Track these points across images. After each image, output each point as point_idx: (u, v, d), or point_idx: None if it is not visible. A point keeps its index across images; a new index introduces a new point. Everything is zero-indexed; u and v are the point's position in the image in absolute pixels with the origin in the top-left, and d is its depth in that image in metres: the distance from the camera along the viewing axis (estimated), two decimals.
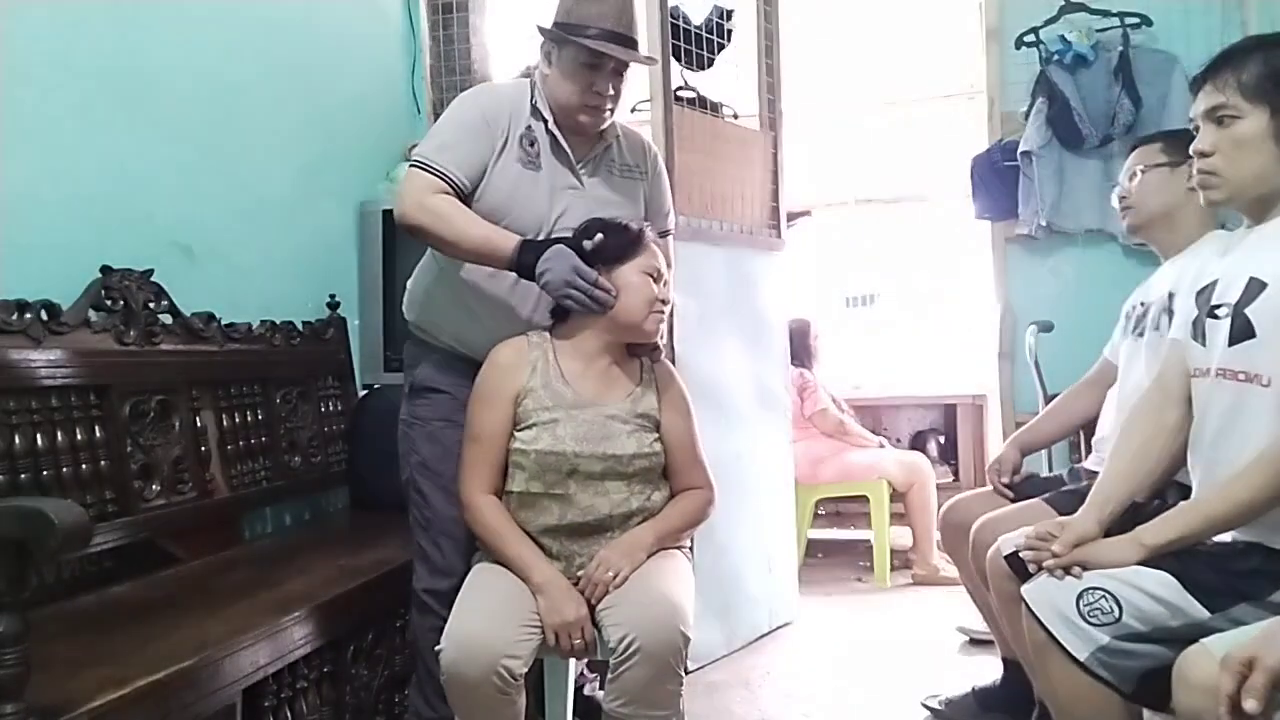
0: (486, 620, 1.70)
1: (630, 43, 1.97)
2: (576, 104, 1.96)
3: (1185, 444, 1.66)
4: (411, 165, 1.96)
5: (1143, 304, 2.13)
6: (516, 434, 1.85)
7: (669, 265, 2.09)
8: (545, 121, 2.00)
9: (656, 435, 1.91)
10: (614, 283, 1.85)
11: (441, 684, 1.70)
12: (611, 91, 1.96)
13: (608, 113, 1.99)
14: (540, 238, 1.94)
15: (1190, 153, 1.60)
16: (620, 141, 2.11)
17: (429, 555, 2.01)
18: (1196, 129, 1.59)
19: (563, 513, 1.83)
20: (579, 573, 1.83)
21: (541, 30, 2.01)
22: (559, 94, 1.98)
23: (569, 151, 2.02)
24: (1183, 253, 2.05)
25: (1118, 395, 2.15)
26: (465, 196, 1.93)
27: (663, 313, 1.90)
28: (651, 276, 1.88)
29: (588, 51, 1.91)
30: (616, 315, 1.87)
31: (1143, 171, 2.09)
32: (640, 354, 1.98)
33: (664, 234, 2.18)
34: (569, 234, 1.93)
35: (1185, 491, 1.67)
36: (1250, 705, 1.13)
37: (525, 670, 1.69)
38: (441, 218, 1.90)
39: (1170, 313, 1.96)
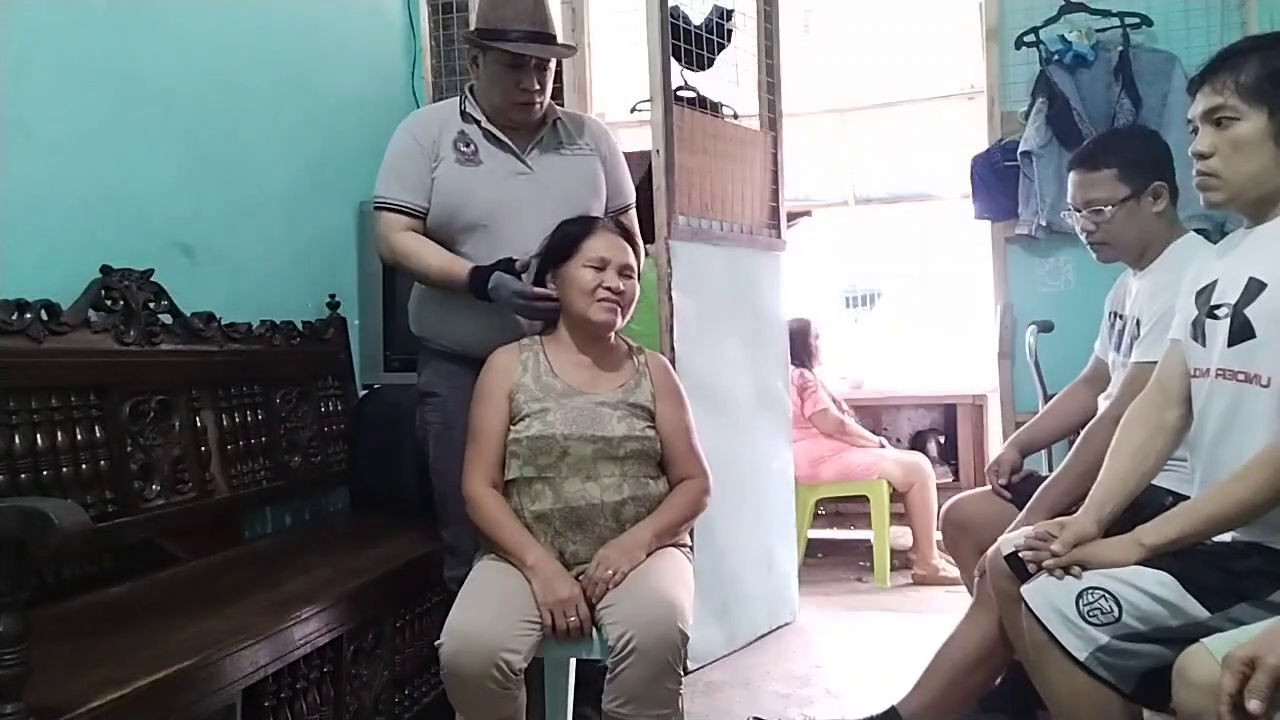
0: (486, 615, 1.72)
1: (548, 38, 2.10)
2: (507, 103, 2.10)
3: (1182, 443, 1.66)
4: (375, 208, 2.14)
5: (1120, 316, 2.13)
6: (512, 427, 1.92)
7: (628, 234, 2.19)
8: (478, 123, 2.14)
9: (649, 423, 1.95)
10: (561, 281, 1.95)
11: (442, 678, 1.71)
12: (537, 86, 2.09)
13: (538, 105, 2.12)
14: (498, 225, 2.07)
15: (1190, 154, 1.60)
16: (562, 122, 2.22)
17: (452, 546, 2.14)
18: (1195, 131, 1.59)
19: (555, 497, 1.87)
20: (570, 560, 1.86)
21: (465, 38, 2.16)
22: (491, 96, 2.12)
23: (509, 141, 2.13)
24: (1153, 265, 2.04)
25: (1108, 402, 2.14)
26: (426, 211, 2.12)
27: (609, 300, 1.93)
28: (594, 267, 1.93)
29: (509, 54, 2.04)
30: (568, 310, 1.97)
31: (1111, 208, 2.02)
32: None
33: (627, 209, 2.30)
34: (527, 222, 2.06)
35: (1182, 499, 1.67)
36: (1254, 705, 1.13)
37: (524, 665, 1.70)
38: (409, 256, 2.10)
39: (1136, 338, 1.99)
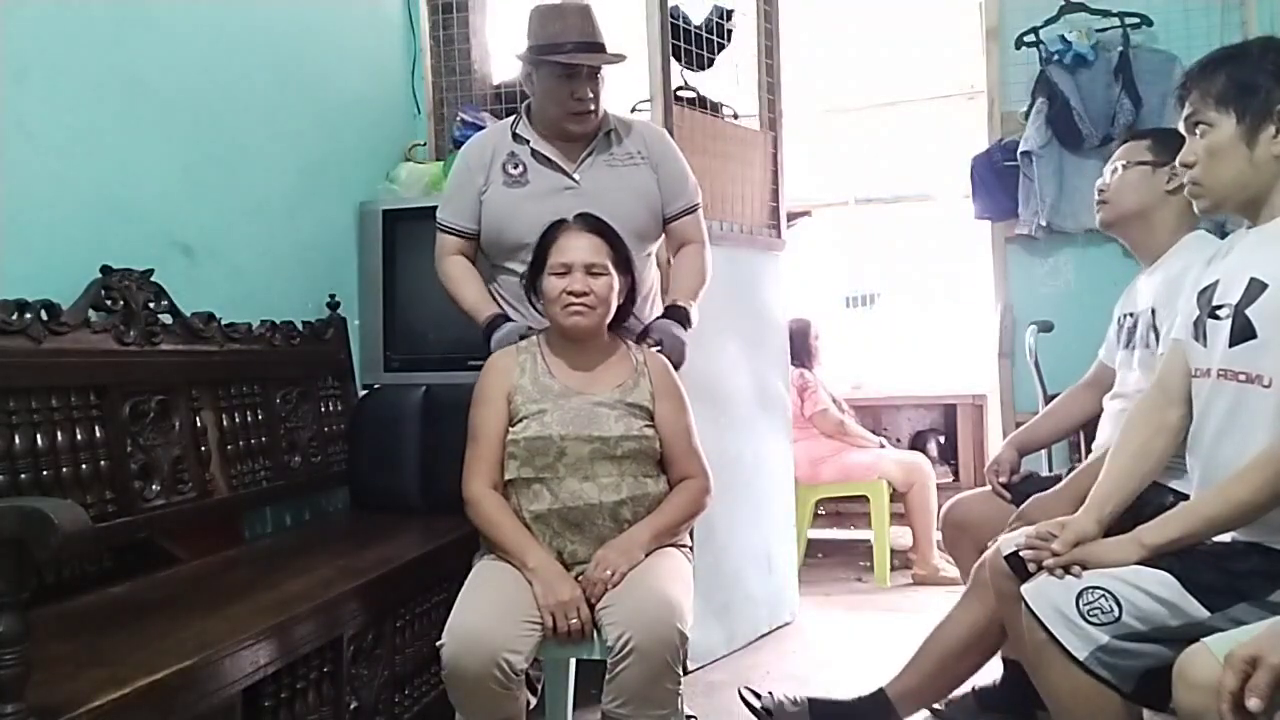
0: (487, 615, 1.72)
1: (598, 48, 2.17)
2: (563, 113, 2.16)
3: (1183, 442, 1.66)
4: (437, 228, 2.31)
5: (1131, 315, 2.13)
6: (510, 429, 1.92)
7: (699, 241, 2.32)
8: (528, 143, 2.22)
9: (648, 423, 1.95)
10: (540, 292, 1.98)
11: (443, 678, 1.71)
12: (591, 95, 2.16)
13: (592, 114, 2.18)
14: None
15: (1178, 164, 1.63)
16: (617, 133, 2.27)
17: None
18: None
19: (553, 498, 1.87)
20: (569, 559, 1.87)
21: (519, 57, 2.22)
22: (546, 108, 2.19)
23: (556, 160, 2.21)
24: (1161, 261, 2.05)
25: (1113, 405, 2.14)
26: (477, 233, 2.26)
27: (574, 305, 1.92)
28: (557, 273, 1.93)
29: (561, 65, 2.12)
30: (549, 319, 1.99)
31: (1124, 167, 2.08)
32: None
33: (688, 211, 2.33)
34: None
35: (1183, 498, 1.67)
36: (1253, 703, 1.14)
37: (526, 666, 1.70)
38: (449, 281, 2.27)
39: (1155, 330, 1.98)
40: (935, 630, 2.10)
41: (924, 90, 4.92)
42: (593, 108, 2.17)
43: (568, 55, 2.11)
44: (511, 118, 2.32)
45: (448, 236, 2.28)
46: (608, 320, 1.99)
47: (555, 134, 2.22)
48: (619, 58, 2.23)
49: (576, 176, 2.21)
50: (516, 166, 2.22)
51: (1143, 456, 1.69)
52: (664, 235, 2.36)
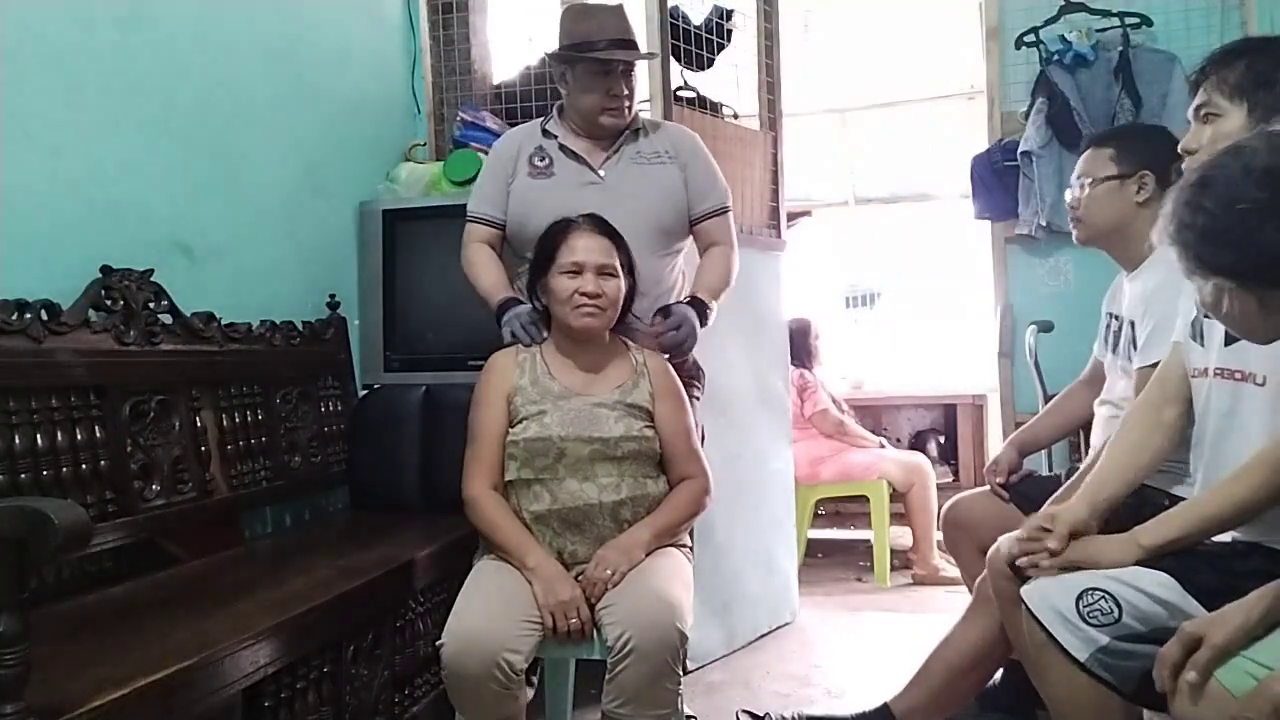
0: (487, 615, 1.72)
1: (631, 44, 2.23)
2: (599, 109, 2.21)
3: (1180, 442, 1.66)
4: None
5: (1116, 318, 2.11)
6: (510, 430, 1.93)
7: (728, 244, 2.35)
8: (556, 138, 2.27)
9: (648, 423, 1.95)
10: (546, 290, 1.98)
11: (443, 678, 1.71)
12: (626, 91, 2.22)
13: (628, 109, 2.24)
14: None
15: (1180, 149, 1.63)
16: (645, 131, 2.32)
17: None
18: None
19: (552, 498, 1.87)
20: (569, 560, 1.87)
21: (552, 56, 2.27)
22: (582, 105, 2.24)
23: (582, 155, 2.25)
24: (1142, 268, 2.01)
25: (1102, 411, 2.14)
26: (504, 223, 2.29)
27: (587, 306, 1.92)
28: (568, 273, 1.93)
29: (598, 62, 2.17)
30: (555, 318, 1.99)
31: (1091, 184, 2.02)
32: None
33: (716, 213, 2.35)
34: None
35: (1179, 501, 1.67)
36: (1190, 677, 1.23)
37: (525, 666, 1.70)
38: (469, 266, 2.29)
39: (1134, 342, 1.97)
40: (940, 646, 2.09)
41: (924, 90, 4.93)
42: (628, 103, 2.23)
43: (604, 52, 2.16)
44: (542, 117, 2.37)
45: (475, 225, 2.31)
46: (613, 323, 2.00)
47: (586, 131, 2.26)
48: (652, 55, 2.32)
49: (601, 172, 2.24)
50: (543, 159, 2.27)
51: (1140, 450, 1.69)
52: (692, 236, 2.36)
